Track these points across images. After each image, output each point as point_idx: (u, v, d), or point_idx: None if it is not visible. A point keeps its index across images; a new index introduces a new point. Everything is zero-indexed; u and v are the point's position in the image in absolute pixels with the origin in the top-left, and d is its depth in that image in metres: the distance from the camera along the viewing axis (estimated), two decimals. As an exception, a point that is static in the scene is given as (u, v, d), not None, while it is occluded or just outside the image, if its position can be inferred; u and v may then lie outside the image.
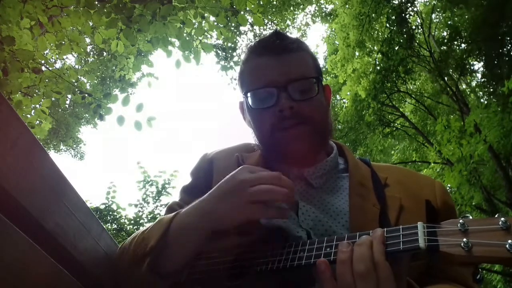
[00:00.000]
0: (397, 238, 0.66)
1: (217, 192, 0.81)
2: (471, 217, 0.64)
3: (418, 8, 10.72)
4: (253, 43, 1.03)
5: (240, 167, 0.82)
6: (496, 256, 0.57)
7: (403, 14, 9.25)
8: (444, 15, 11.62)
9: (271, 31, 1.07)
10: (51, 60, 6.37)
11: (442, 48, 10.69)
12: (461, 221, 0.63)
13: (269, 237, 0.82)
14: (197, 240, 0.80)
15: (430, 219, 0.85)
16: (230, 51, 10.13)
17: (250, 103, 0.97)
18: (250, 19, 4.49)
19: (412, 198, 0.90)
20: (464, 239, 0.60)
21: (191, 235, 0.80)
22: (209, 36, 5.47)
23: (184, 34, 3.88)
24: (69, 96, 4.90)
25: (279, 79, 0.92)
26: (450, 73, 10.28)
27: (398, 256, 0.66)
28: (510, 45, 8.88)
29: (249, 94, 0.97)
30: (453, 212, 0.94)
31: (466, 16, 10.10)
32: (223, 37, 4.54)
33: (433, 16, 11.18)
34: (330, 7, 12.80)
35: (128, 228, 8.74)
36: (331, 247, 0.70)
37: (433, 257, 0.63)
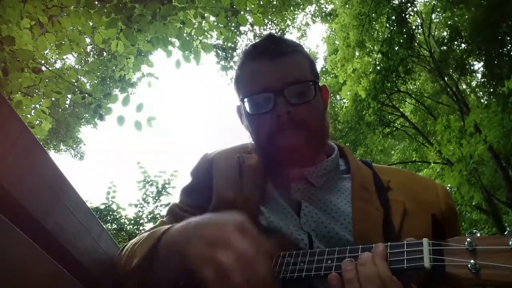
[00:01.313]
0: (401, 255, 0.64)
1: (199, 224, 0.73)
2: (478, 234, 0.61)
3: (418, 8, 10.72)
4: (247, 47, 1.02)
5: (237, 217, 0.70)
6: (506, 281, 0.54)
7: (403, 14, 9.25)
8: (444, 15, 11.63)
9: (266, 34, 1.06)
10: (51, 60, 6.37)
11: (442, 48, 10.69)
12: (468, 239, 0.60)
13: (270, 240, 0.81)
14: (182, 262, 0.73)
15: (435, 227, 0.84)
16: (230, 51, 10.13)
17: (247, 108, 0.96)
18: (250, 19, 4.49)
19: (416, 202, 0.89)
20: (472, 261, 0.57)
21: (177, 256, 0.75)
22: (209, 36, 5.48)
23: (184, 34, 3.88)
24: (69, 96, 4.90)
25: (275, 83, 0.91)
26: (450, 73, 10.28)
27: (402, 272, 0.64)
28: (510, 45, 8.88)
29: (245, 100, 0.96)
30: (455, 215, 0.93)
31: (466, 16, 10.10)
32: (223, 37, 4.54)
33: (433, 16, 11.19)
34: (330, 7, 12.80)
35: (128, 228, 8.73)
36: (333, 259, 0.68)
37: (438, 277, 0.60)
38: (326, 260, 0.69)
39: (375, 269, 0.62)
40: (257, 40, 1.07)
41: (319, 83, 1.00)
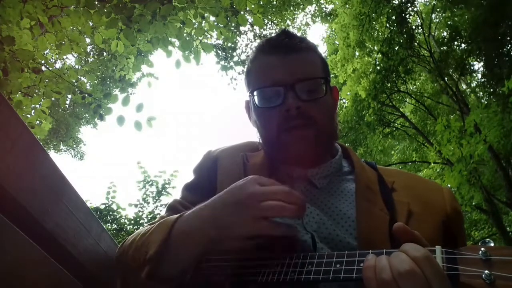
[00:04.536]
0: None
1: (223, 201, 0.77)
2: (492, 244, 0.60)
3: (418, 8, 10.72)
4: (261, 42, 1.01)
5: (249, 177, 0.77)
6: None
7: (403, 14, 9.25)
8: (444, 15, 11.63)
9: (279, 30, 1.06)
10: (51, 60, 6.38)
11: (442, 48, 10.70)
12: (482, 249, 0.58)
13: (274, 241, 0.79)
14: (199, 246, 0.76)
15: (442, 231, 0.83)
16: (230, 51, 10.14)
17: (256, 101, 0.95)
18: (250, 19, 4.50)
19: (421, 204, 0.87)
20: (486, 271, 0.55)
21: (194, 240, 0.77)
22: (209, 36, 5.48)
23: (184, 34, 3.88)
24: (69, 96, 4.91)
25: (286, 78, 0.90)
26: (450, 73, 10.28)
27: None
28: (510, 45, 8.88)
29: (255, 93, 0.95)
30: (461, 219, 0.92)
31: (466, 16, 10.10)
32: (223, 37, 4.54)
33: (433, 16, 11.19)
34: (330, 7, 12.80)
35: (128, 228, 8.74)
36: (341, 263, 0.66)
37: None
38: (335, 263, 0.67)
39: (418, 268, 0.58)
40: (258, 40, 1.07)
41: (330, 83, 0.99)
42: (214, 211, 0.77)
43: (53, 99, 4.56)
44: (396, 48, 9.32)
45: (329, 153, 1.00)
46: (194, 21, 3.86)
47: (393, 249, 0.64)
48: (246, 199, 0.73)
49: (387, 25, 9.52)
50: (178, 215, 0.83)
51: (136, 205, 9.15)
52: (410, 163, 11.80)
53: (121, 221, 8.91)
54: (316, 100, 0.91)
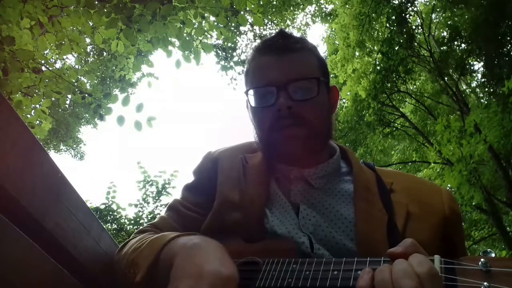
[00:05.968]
0: None
1: (187, 251, 0.69)
2: (493, 255, 0.59)
3: (418, 8, 10.72)
4: (258, 42, 1.03)
5: (226, 274, 0.63)
6: None
7: (403, 14, 9.25)
8: (444, 15, 11.62)
9: (277, 30, 1.06)
10: (51, 60, 6.38)
11: (442, 48, 10.69)
12: (482, 259, 0.57)
13: (273, 244, 0.80)
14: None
15: (440, 233, 0.83)
16: (230, 51, 10.14)
17: (251, 101, 0.97)
18: (250, 19, 4.49)
19: (419, 205, 0.87)
20: (485, 283, 0.54)
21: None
22: (209, 36, 5.48)
23: (184, 34, 3.88)
24: (69, 96, 4.90)
25: (279, 78, 0.91)
26: (450, 73, 10.28)
27: None
28: (510, 45, 8.87)
29: (249, 92, 0.97)
30: (460, 220, 0.92)
31: (466, 16, 10.09)
32: (223, 37, 4.54)
33: (433, 16, 11.18)
34: (330, 7, 12.80)
35: (128, 228, 8.74)
36: (339, 270, 0.66)
37: None
38: (333, 270, 0.67)
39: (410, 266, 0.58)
40: (258, 40, 1.08)
41: (328, 84, 0.99)
42: (182, 251, 0.70)
43: (53, 99, 4.56)
44: (396, 48, 9.32)
45: (326, 153, 1.00)
46: (194, 21, 3.86)
47: (388, 258, 0.64)
48: (188, 273, 0.63)
49: (387, 25, 9.51)
50: (170, 237, 0.77)
51: (136, 205, 9.14)
52: (410, 163, 11.80)
53: (121, 221, 8.91)
54: (309, 100, 0.91)
